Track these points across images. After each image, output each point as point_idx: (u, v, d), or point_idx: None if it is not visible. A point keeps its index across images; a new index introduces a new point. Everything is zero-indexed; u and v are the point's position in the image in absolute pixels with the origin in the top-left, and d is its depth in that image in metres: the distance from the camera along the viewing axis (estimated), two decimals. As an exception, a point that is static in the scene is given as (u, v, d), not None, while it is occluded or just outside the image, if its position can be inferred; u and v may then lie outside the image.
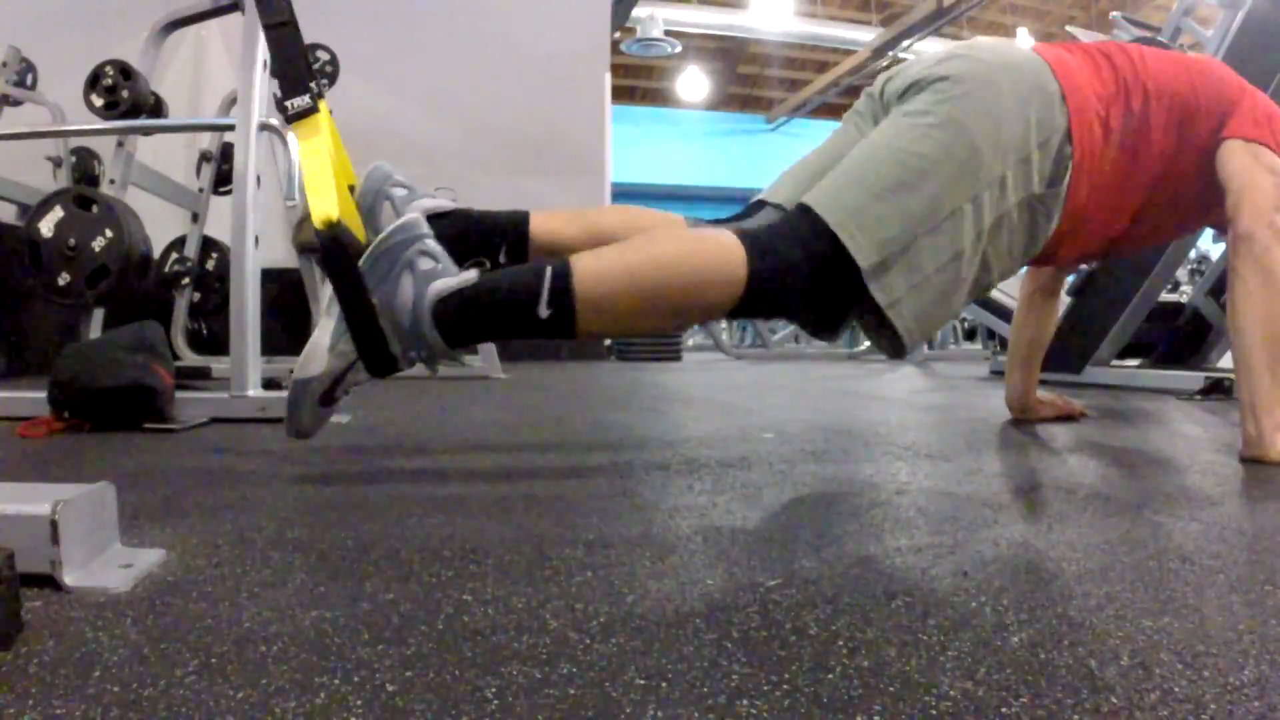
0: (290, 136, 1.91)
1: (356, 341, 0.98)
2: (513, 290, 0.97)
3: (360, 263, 0.97)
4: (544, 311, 0.96)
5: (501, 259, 1.11)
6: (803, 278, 1.04)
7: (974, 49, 1.17)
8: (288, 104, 1.09)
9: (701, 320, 1.08)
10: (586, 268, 0.98)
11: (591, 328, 0.99)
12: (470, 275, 0.98)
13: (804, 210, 1.07)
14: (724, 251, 1.00)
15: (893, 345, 1.12)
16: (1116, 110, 1.22)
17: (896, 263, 1.04)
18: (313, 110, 1.08)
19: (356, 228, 1.05)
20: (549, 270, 0.97)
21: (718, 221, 1.18)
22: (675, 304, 1.01)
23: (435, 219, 1.08)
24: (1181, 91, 1.26)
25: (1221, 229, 1.34)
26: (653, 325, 1.05)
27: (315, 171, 1.02)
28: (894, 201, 1.05)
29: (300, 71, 1.10)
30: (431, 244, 0.98)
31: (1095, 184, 1.20)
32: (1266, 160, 1.24)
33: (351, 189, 1.12)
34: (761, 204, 1.24)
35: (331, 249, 0.96)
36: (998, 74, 1.13)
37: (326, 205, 0.98)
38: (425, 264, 0.97)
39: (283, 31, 1.12)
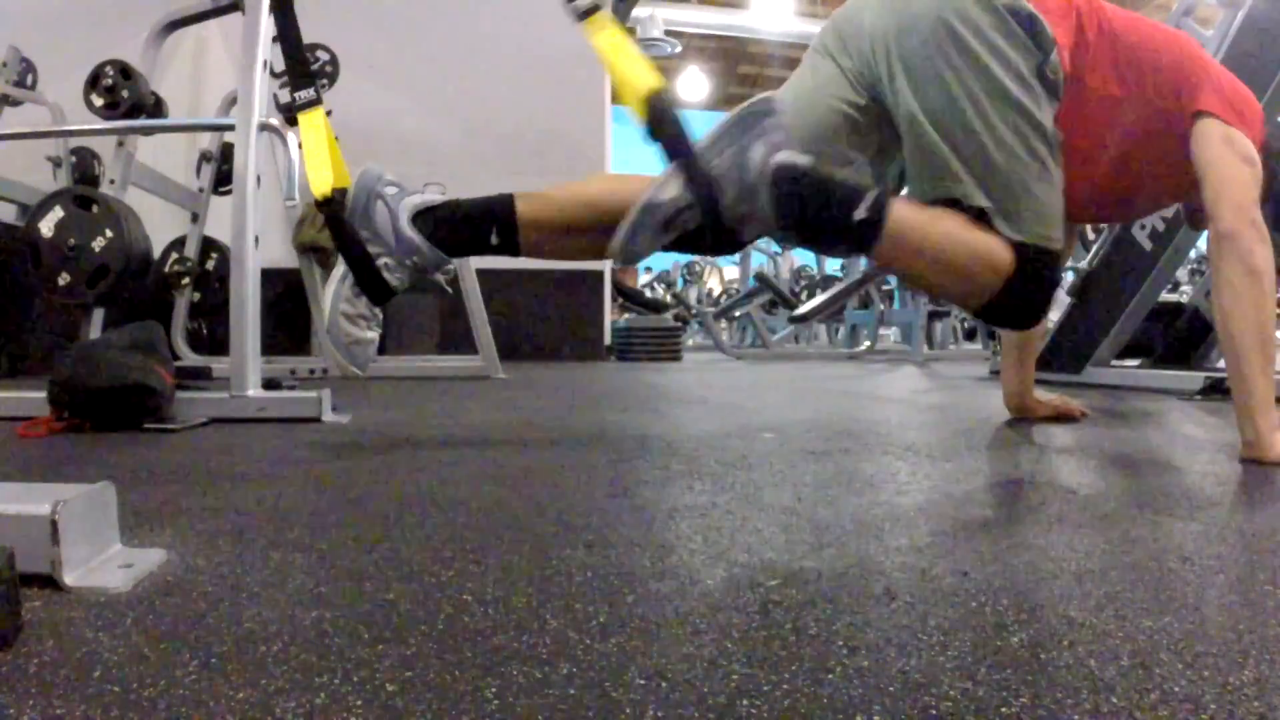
0: (290, 136, 1.92)
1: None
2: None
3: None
4: (494, 240, 1.21)
5: (493, 240, 1.22)
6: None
7: None
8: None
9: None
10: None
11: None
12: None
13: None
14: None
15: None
16: (1063, 20, 1.21)
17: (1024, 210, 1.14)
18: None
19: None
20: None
21: None
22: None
23: (425, 213, 1.22)
24: (1143, 46, 1.26)
25: (1196, 224, 1.33)
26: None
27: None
28: (1016, 179, 1.14)
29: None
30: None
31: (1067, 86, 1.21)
32: (1240, 147, 1.23)
33: (343, 191, 1.24)
34: None
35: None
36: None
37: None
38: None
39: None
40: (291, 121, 1.32)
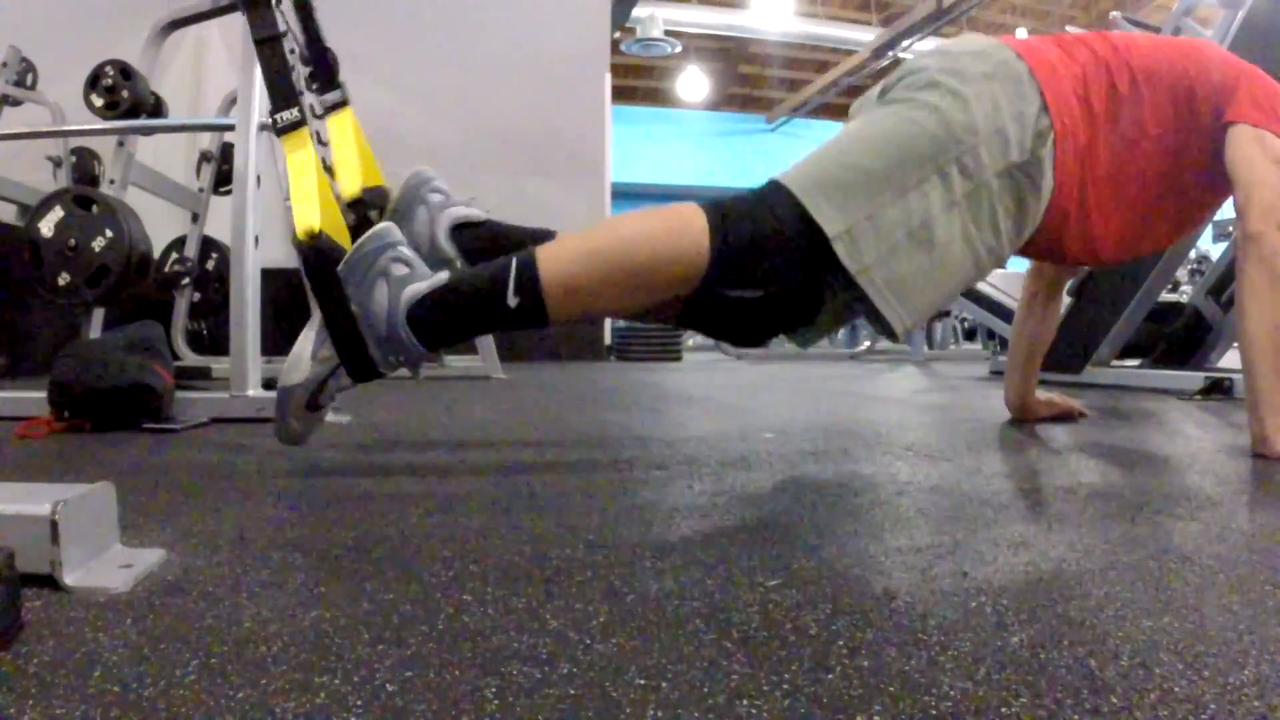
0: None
1: (338, 347, 1.01)
2: (481, 284, 1.01)
3: (339, 269, 1.00)
4: (512, 300, 0.99)
5: (510, 300, 1.07)
6: (769, 246, 1.04)
7: (942, 46, 1.21)
8: (276, 117, 1.14)
9: (671, 293, 1.05)
10: (550, 252, 1.01)
11: (561, 311, 1.01)
12: (441, 276, 1.01)
13: (773, 183, 1.09)
14: (685, 222, 1.02)
15: (883, 324, 1.11)
16: (1098, 90, 1.21)
17: (864, 231, 1.04)
18: (301, 124, 1.13)
19: (342, 237, 1.09)
20: (515, 260, 1.00)
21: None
22: (640, 277, 1.02)
23: (465, 228, 1.14)
24: (1174, 73, 1.26)
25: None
26: (622, 302, 1.07)
27: (300, 183, 1.07)
28: (858, 170, 1.06)
29: (289, 86, 1.15)
30: (404, 251, 1.01)
31: (1087, 158, 1.20)
32: (1273, 149, 1.23)
33: (375, 189, 1.17)
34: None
35: (312, 258, 1.01)
36: (963, 60, 1.15)
37: (309, 216, 1.04)
38: (399, 270, 1.00)
39: (271, 47, 1.17)
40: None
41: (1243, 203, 1.23)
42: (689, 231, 1.01)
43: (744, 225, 1.03)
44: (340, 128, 1.27)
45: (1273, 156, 1.23)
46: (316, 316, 1.03)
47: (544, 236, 1.13)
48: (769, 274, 1.06)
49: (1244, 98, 1.26)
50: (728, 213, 1.03)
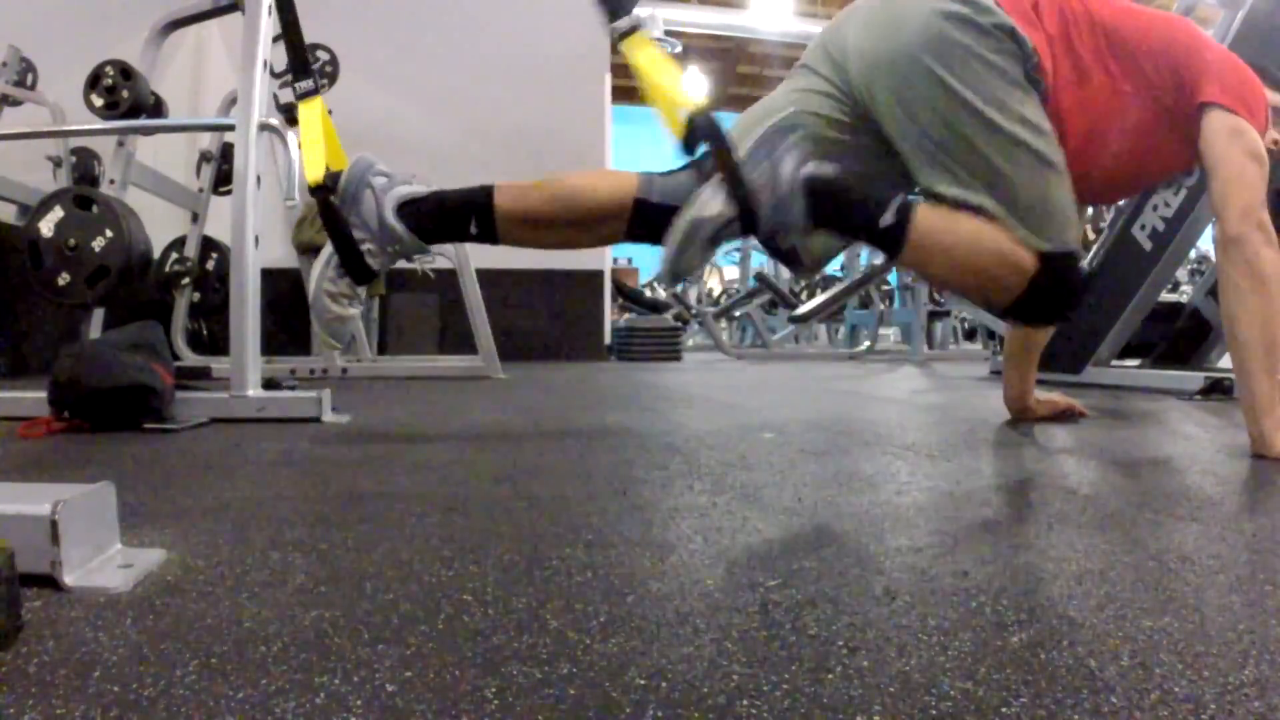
0: (290, 136, 1.93)
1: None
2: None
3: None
4: (474, 230, 1.28)
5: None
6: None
7: (886, 9, 1.27)
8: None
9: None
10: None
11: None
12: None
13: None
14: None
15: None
16: (1050, 22, 1.24)
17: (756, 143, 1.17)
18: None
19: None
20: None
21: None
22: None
23: (411, 202, 1.28)
24: (1137, 37, 1.26)
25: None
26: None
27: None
28: (1041, 170, 1.18)
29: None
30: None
31: (1056, 85, 1.23)
32: (1248, 142, 1.22)
33: (325, 184, 1.31)
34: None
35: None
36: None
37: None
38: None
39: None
40: (292, 121, 1.39)
41: (1219, 203, 1.22)
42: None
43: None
44: (309, 115, 1.37)
45: (1248, 150, 1.22)
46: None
47: (481, 194, 1.29)
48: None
49: (1214, 79, 1.25)
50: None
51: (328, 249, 1.30)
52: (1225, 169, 1.22)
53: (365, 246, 1.26)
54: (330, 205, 1.27)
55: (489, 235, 1.28)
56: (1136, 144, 1.31)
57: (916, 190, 1.27)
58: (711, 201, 1.13)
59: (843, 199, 1.14)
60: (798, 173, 1.12)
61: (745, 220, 1.13)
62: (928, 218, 1.16)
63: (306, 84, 1.37)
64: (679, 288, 7.30)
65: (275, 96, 2.87)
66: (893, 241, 1.15)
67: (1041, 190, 1.18)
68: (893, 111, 1.23)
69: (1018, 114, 1.18)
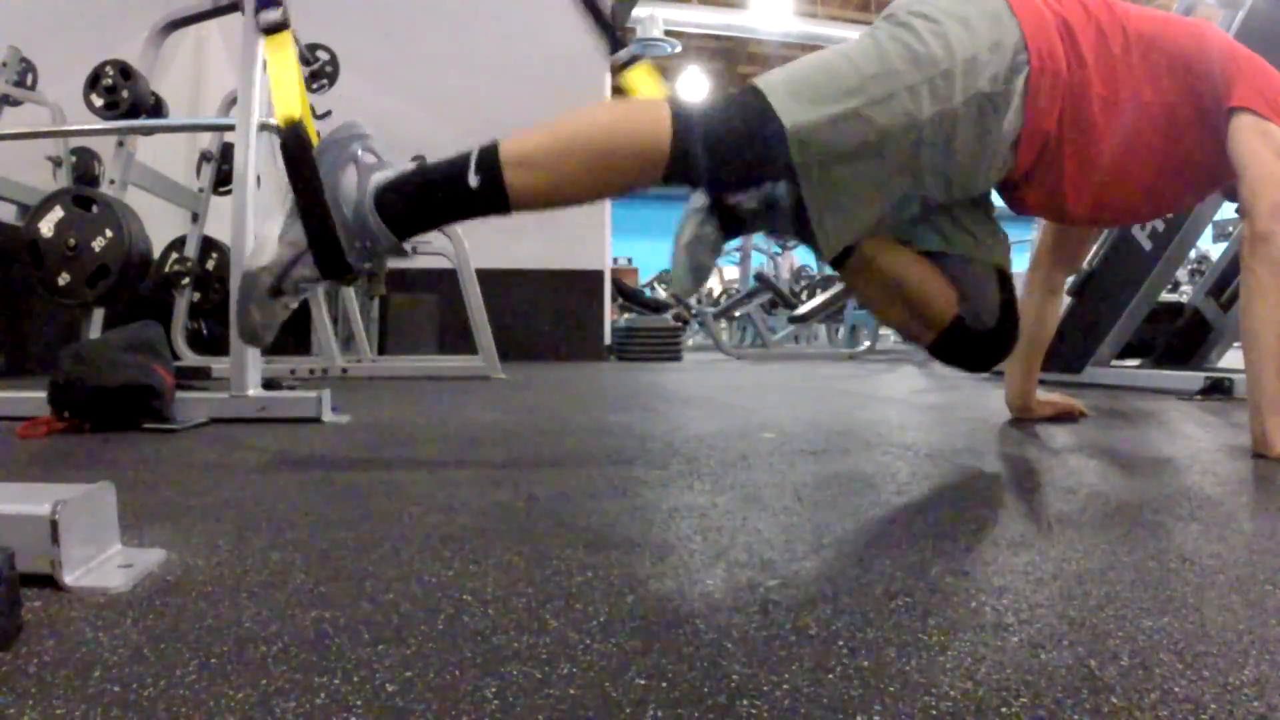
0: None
1: (309, 233, 1.03)
2: (444, 167, 1.04)
3: (314, 150, 1.05)
4: (474, 179, 1.01)
5: (472, 180, 1.09)
6: (731, 137, 1.07)
7: None
8: (259, 16, 1.22)
9: (633, 177, 1.08)
10: (512, 136, 1.04)
11: (522, 190, 1.02)
12: (408, 165, 1.05)
13: (747, 84, 1.12)
14: (648, 112, 1.07)
15: (811, 234, 1.13)
16: (1086, 39, 1.21)
17: (821, 130, 1.06)
18: (284, 25, 1.21)
19: (313, 132, 1.18)
20: (477, 145, 1.04)
21: None
22: (600, 156, 1.05)
23: (391, 186, 1.10)
24: (1173, 46, 1.25)
25: (1233, 196, 1.32)
26: (583, 184, 1.08)
27: (282, 78, 1.17)
28: (831, 75, 1.10)
29: None
30: (374, 144, 1.07)
31: (1068, 108, 1.20)
32: (1277, 142, 1.22)
33: (300, 125, 1.17)
34: None
35: (291, 142, 1.06)
36: None
37: (290, 106, 1.12)
38: (368, 159, 1.05)
39: None
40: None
41: (1249, 200, 1.22)
42: (650, 114, 1.05)
43: (709, 115, 1.07)
44: (279, 49, 1.24)
45: (1277, 150, 1.22)
46: (289, 201, 1.05)
47: (483, 145, 1.17)
48: (726, 165, 1.08)
49: (1248, 84, 1.25)
50: (691, 106, 1.08)
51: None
52: (1255, 168, 1.22)
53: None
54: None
55: (496, 195, 1.02)
56: (1177, 156, 1.30)
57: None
58: (264, 244, 1.02)
59: (418, 193, 1.02)
60: (365, 185, 1.01)
61: (320, 254, 1.01)
62: (514, 138, 1.02)
63: (273, 15, 1.20)
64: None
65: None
66: (494, 197, 1.00)
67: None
68: None
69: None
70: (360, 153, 1.04)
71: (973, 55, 1.12)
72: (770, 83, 1.09)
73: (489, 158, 1.01)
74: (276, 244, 1.03)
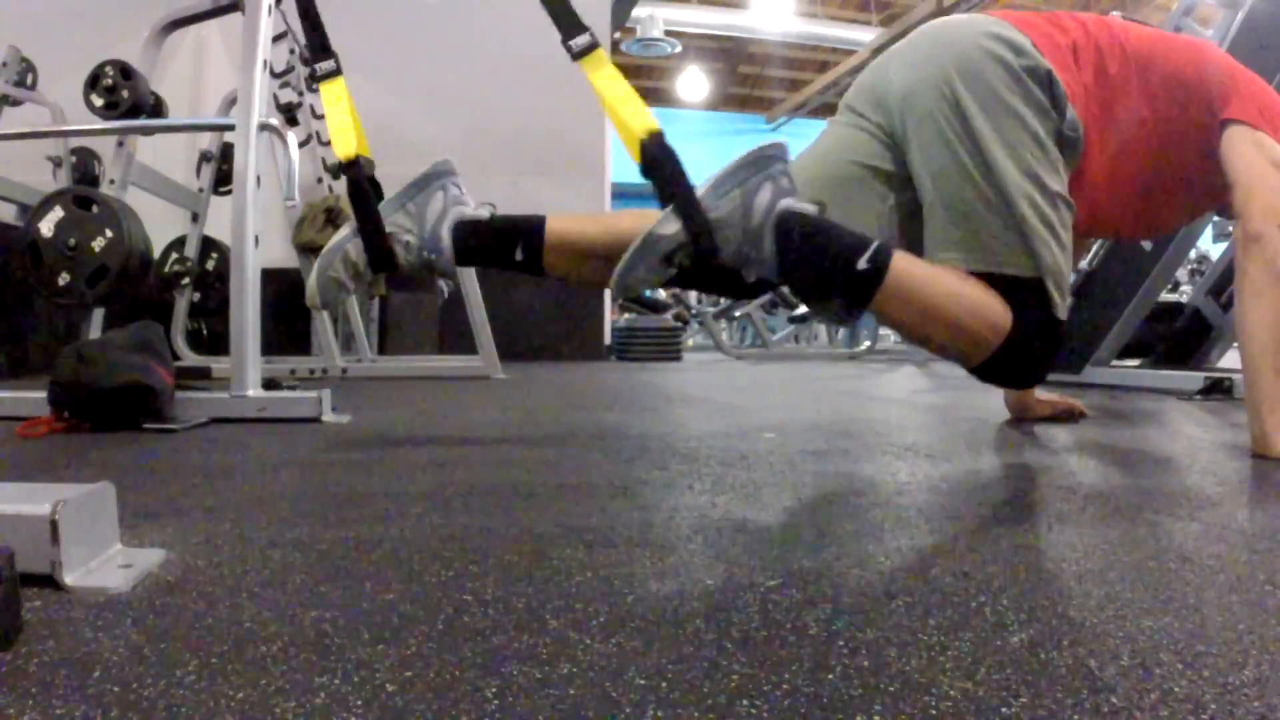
0: (290, 136, 1.92)
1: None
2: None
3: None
4: (519, 255, 1.25)
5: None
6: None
7: (928, 39, 1.26)
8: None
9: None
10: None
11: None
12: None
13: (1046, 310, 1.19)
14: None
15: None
16: (1087, 63, 1.22)
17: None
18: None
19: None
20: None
21: None
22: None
23: (464, 224, 1.26)
24: (1169, 65, 1.26)
25: (1227, 212, 1.33)
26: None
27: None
28: (1051, 244, 1.17)
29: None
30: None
31: (1087, 126, 1.22)
32: (1271, 151, 1.23)
33: (366, 160, 1.29)
34: None
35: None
36: (986, 67, 1.18)
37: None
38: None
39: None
40: (292, 121, 1.32)
41: (1242, 203, 1.23)
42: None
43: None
44: (333, 96, 1.33)
45: (1271, 158, 1.23)
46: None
47: (534, 223, 1.26)
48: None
49: (1243, 99, 1.26)
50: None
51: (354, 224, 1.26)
52: (1249, 173, 1.23)
53: (407, 239, 1.23)
54: (360, 183, 1.23)
55: (533, 260, 1.24)
56: (1170, 174, 1.31)
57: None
58: (668, 221, 1.08)
59: (818, 239, 1.08)
60: (773, 207, 1.07)
61: (699, 249, 1.08)
62: (904, 268, 1.10)
63: (328, 64, 1.32)
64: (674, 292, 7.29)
65: (275, 96, 2.87)
66: (865, 288, 1.08)
67: (1039, 251, 1.15)
68: (919, 139, 1.21)
69: (1028, 166, 1.15)
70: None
71: (1036, 100, 1.18)
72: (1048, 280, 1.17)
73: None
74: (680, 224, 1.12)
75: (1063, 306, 1.18)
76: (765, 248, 1.08)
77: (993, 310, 1.14)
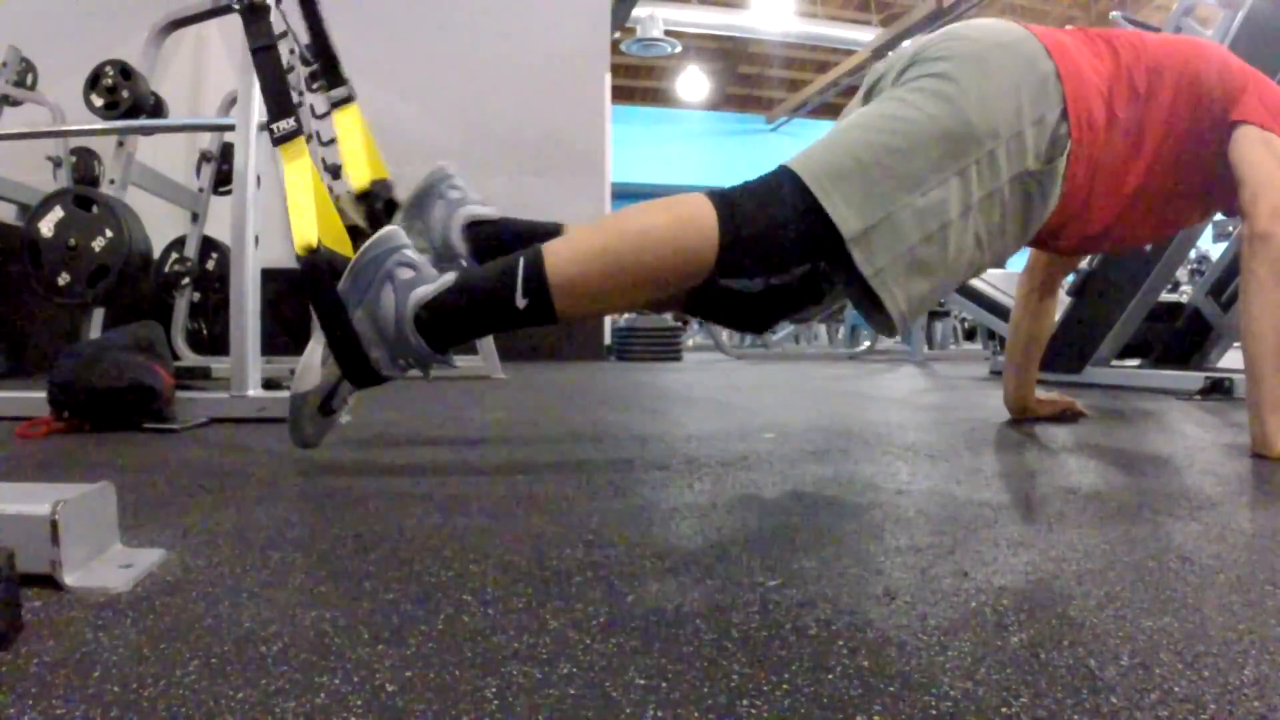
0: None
1: (337, 357, 1.03)
2: (488, 286, 1.01)
3: (341, 281, 1.02)
4: (521, 302, 0.99)
5: (519, 301, 1.06)
6: (777, 238, 1.02)
7: (967, 28, 1.18)
8: (274, 127, 1.18)
9: (680, 286, 1.05)
10: (557, 251, 1.00)
11: (571, 309, 1.01)
12: (448, 278, 1.01)
13: (784, 171, 1.05)
14: (693, 215, 1.01)
15: (884, 322, 1.09)
16: (1121, 95, 1.20)
17: (879, 231, 1.02)
18: (297, 133, 1.18)
19: (342, 246, 1.14)
20: (520, 260, 0.99)
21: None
22: (648, 273, 1.01)
23: (477, 225, 1.16)
24: (1179, 69, 1.25)
25: (1232, 211, 1.33)
26: (630, 298, 1.07)
27: (297, 197, 1.12)
28: (878, 168, 1.03)
29: (286, 95, 1.18)
30: (410, 254, 1.01)
31: (1099, 166, 1.19)
32: (1278, 150, 1.23)
33: (381, 182, 1.19)
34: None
35: (309, 272, 1.05)
36: (989, 51, 1.12)
37: (307, 231, 1.08)
38: (404, 274, 1.00)
39: (268, 55, 1.19)
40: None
41: (1249, 202, 1.23)
42: (697, 224, 1.00)
43: (755, 217, 1.01)
44: (347, 123, 1.28)
45: (1279, 158, 1.23)
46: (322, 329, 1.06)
47: (554, 231, 1.14)
48: (775, 264, 1.06)
49: (1252, 99, 1.26)
50: (736, 204, 1.02)
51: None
52: (1256, 172, 1.23)
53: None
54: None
55: (544, 313, 1.00)
56: (1184, 181, 1.30)
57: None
58: (307, 369, 1.02)
59: (461, 313, 0.99)
60: (404, 304, 0.98)
61: (355, 378, 1.01)
62: (560, 254, 0.99)
63: (342, 91, 1.24)
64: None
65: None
66: (544, 313, 0.99)
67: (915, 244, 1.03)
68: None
69: (967, 199, 1.06)
70: (396, 269, 1.01)
71: (1018, 132, 1.08)
72: (815, 177, 1.02)
73: (535, 277, 0.98)
74: (319, 369, 1.04)
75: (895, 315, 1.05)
76: (418, 349, 1.00)
77: (690, 217, 1.00)
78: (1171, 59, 1.26)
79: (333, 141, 1.33)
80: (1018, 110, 1.09)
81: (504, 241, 1.15)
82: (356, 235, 1.27)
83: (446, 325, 1.00)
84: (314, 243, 1.08)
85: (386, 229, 1.04)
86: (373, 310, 1.00)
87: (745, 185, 1.05)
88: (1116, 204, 1.26)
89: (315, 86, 1.37)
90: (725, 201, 1.02)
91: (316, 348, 1.04)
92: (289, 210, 1.12)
